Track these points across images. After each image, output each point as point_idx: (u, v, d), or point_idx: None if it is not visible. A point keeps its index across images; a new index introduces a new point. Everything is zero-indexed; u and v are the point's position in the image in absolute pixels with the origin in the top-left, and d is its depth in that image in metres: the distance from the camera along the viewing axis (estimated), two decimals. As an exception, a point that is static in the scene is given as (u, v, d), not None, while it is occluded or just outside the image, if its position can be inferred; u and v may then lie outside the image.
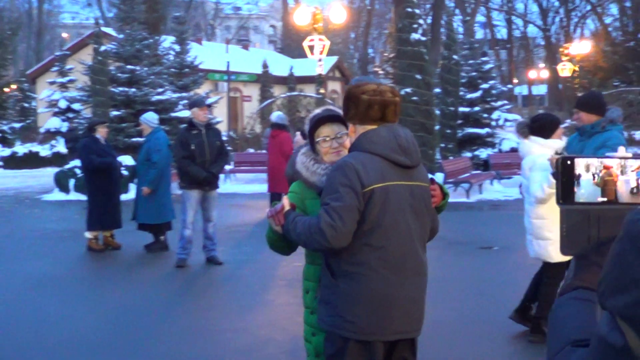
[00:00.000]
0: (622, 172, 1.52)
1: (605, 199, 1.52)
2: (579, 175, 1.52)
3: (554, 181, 5.98)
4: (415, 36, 19.11)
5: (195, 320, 7.53)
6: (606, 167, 1.52)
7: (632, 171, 1.52)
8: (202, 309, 8.03)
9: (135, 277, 9.81)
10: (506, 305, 7.13)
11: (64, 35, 62.30)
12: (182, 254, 10.23)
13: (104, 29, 30.87)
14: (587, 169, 1.53)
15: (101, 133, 11.70)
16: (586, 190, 1.52)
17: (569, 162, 1.53)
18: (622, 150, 1.58)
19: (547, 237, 6.34)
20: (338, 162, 3.57)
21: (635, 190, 1.52)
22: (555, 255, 6.22)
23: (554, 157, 5.94)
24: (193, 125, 10.17)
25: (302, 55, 35.21)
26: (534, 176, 6.27)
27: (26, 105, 38.87)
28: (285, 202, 3.68)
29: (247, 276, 9.61)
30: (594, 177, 1.52)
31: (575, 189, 1.52)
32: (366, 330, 3.53)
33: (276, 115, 14.78)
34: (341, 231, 3.42)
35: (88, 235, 11.62)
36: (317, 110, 3.93)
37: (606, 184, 1.52)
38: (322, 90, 25.89)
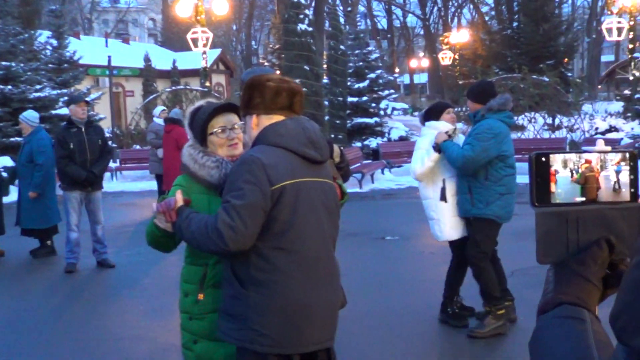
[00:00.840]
0: (602, 168, 1.37)
1: (584, 199, 1.36)
2: (557, 172, 1.36)
3: (434, 155, 6.37)
4: (302, 27, 19.00)
5: (90, 329, 7.13)
6: (587, 162, 1.36)
7: (612, 165, 1.37)
8: (97, 316, 7.62)
9: (21, 286, 9.26)
10: (412, 293, 7.08)
11: None
12: (71, 258, 9.76)
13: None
14: (565, 164, 1.36)
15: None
16: (563, 190, 1.36)
17: (543, 159, 1.36)
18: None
19: (432, 216, 6.61)
20: (242, 156, 3.26)
21: (616, 187, 1.37)
22: (440, 234, 6.56)
23: (440, 133, 6.40)
24: (72, 123, 9.70)
25: (185, 48, 34.64)
26: (415, 154, 6.57)
27: None
28: (179, 196, 3.35)
29: (141, 278, 9.24)
30: (572, 174, 1.36)
31: (552, 189, 1.36)
32: (284, 343, 3.22)
33: (172, 111, 14.39)
34: (241, 233, 3.08)
35: (-31, 242, 10.96)
36: (201, 102, 3.67)
37: (587, 181, 1.35)
38: (207, 84, 25.49)
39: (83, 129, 9.69)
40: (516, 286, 7.12)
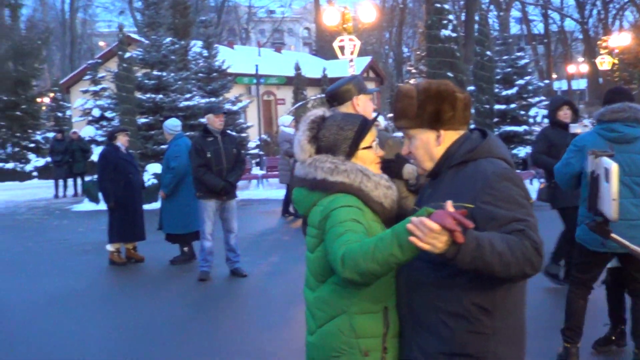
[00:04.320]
0: None
1: None
2: None
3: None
4: (445, 32, 18.57)
5: (214, 340, 7.09)
6: None
7: None
8: (223, 327, 7.59)
9: (155, 292, 9.41)
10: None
11: (101, 43, 62.72)
12: (204, 267, 9.83)
13: (134, 35, 30.83)
14: None
15: (122, 141, 11.36)
16: None
17: None
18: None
19: None
20: (499, 170, 2.74)
21: None
22: None
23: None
24: (208, 132, 9.77)
25: (336, 56, 34.82)
26: None
27: (60, 114, 38.92)
28: (452, 209, 2.45)
29: (270, 289, 9.15)
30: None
31: None
32: None
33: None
34: (543, 254, 2.62)
35: (109, 248, 11.29)
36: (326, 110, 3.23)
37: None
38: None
39: (219, 138, 9.74)
40: None
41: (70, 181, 23.63)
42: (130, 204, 11.17)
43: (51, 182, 24.00)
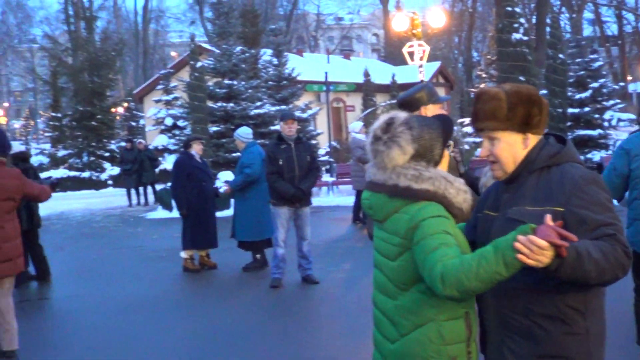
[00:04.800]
0: None
1: None
2: None
3: None
4: (516, 36, 18.32)
5: (284, 346, 7.12)
6: None
7: None
8: (293, 334, 7.60)
9: (228, 299, 9.50)
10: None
11: (173, 53, 63.81)
12: (276, 274, 9.88)
13: (205, 45, 31.25)
14: None
15: (196, 149, 11.51)
16: None
17: None
18: None
19: None
20: (586, 175, 2.76)
21: None
22: None
23: None
24: (282, 139, 9.82)
25: (405, 62, 34.69)
26: None
27: (133, 124, 39.70)
28: (552, 223, 2.46)
29: (342, 297, 9.15)
30: None
31: None
32: None
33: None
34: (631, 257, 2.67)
35: (183, 255, 11.45)
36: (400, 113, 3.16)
37: None
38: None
39: (292, 145, 9.78)
40: None
41: (140, 189, 23.98)
42: (203, 212, 11.31)
43: (125, 190, 24.43)
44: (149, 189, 23.74)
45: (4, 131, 6.53)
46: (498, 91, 2.91)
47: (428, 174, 2.96)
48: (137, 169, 23.06)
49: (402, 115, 3.11)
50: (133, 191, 23.81)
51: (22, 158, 11.00)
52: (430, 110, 4.37)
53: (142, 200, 23.81)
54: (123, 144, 31.91)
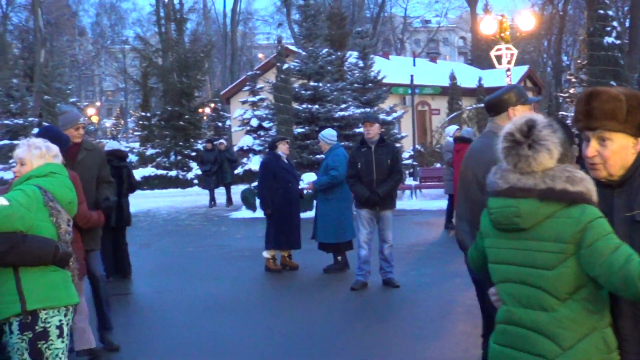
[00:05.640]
0: None
1: None
2: None
3: None
4: (608, 40, 17.85)
5: (361, 350, 7.08)
6: None
7: None
8: (372, 337, 7.55)
9: (309, 300, 9.52)
10: None
11: (260, 55, 64.54)
12: (359, 276, 9.86)
13: (292, 47, 31.49)
14: None
15: (283, 150, 11.59)
16: None
17: None
18: None
19: None
20: None
21: None
22: None
23: None
24: (364, 142, 9.79)
25: (492, 66, 34.21)
26: None
27: (219, 124, 40.29)
28: None
29: (423, 300, 9.04)
30: None
31: None
32: None
33: (465, 130, 14.23)
34: None
35: (266, 254, 11.52)
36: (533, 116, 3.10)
37: None
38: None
39: (372, 149, 9.73)
40: None
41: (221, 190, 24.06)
42: (287, 212, 11.36)
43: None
44: (230, 189, 23.80)
45: (59, 132, 6.46)
46: (618, 92, 2.88)
47: (579, 176, 2.90)
48: (217, 169, 23.21)
49: (540, 118, 3.04)
50: (214, 191, 23.96)
51: (119, 156, 11.29)
52: (519, 111, 4.28)
53: (223, 201, 23.92)
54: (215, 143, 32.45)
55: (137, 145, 40.62)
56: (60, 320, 4.42)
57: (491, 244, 3.11)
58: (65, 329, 4.46)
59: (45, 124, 23.66)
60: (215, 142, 25.33)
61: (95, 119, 63.55)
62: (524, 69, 43.43)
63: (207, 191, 24.35)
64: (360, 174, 9.62)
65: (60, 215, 4.49)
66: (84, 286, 6.63)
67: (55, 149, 4.90)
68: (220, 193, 23.96)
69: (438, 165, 26.00)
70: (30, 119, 34.25)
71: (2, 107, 35.10)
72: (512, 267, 2.99)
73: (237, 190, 24.18)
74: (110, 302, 7.35)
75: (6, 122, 35.41)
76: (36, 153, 4.76)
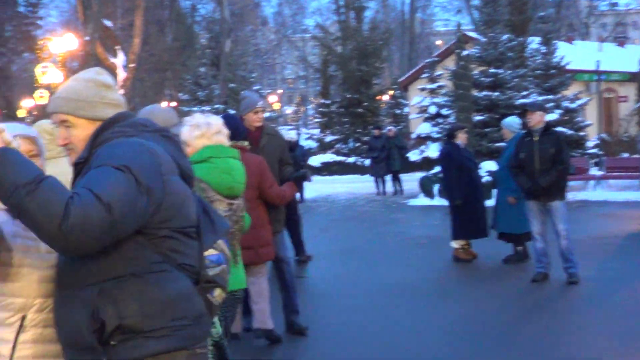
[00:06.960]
0: None
1: None
2: None
3: None
4: None
5: (540, 344, 6.90)
6: None
7: None
8: (551, 332, 7.35)
9: (488, 290, 9.39)
10: None
11: (438, 42, 64.05)
12: (538, 268, 9.61)
13: (471, 33, 31.07)
14: None
15: (461, 139, 11.50)
16: None
17: None
18: None
19: None
20: None
21: None
22: None
23: None
24: (529, 131, 9.53)
25: (686, 50, 32.27)
26: None
27: (398, 111, 40.38)
28: None
29: (608, 297, 8.66)
30: None
31: None
32: None
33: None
34: None
35: (454, 244, 11.41)
36: None
37: None
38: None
39: (536, 138, 9.42)
40: None
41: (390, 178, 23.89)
42: (474, 201, 11.24)
43: (387, 177, 24.19)
44: (398, 177, 23.69)
45: (236, 117, 6.65)
46: None
47: None
48: (385, 156, 23.16)
49: None
50: (385, 178, 23.87)
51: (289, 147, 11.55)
52: None
53: (392, 189, 23.78)
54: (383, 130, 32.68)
55: (317, 131, 41.45)
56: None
57: None
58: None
59: (230, 110, 24.67)
60: (383, 130, 25.29)
61: (277, 106, 65.32)
62: None
63: (388, 178, 24.09)
64: (523, 163, 9.39)
65: (214, 204, 4.46)
66: (267, 268, 6.93)
67: (217, 124, 4.97)
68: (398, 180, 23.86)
69: (626, 155, 24.82)
70: (216, 105, 35.75)
71: (191, 95, 36.81)
72: None
73: (411, 178, 24.12)
74: (296, 286, 7.55)
75: (195, 109, 37.15)
76: (196, 134, 4.86)
